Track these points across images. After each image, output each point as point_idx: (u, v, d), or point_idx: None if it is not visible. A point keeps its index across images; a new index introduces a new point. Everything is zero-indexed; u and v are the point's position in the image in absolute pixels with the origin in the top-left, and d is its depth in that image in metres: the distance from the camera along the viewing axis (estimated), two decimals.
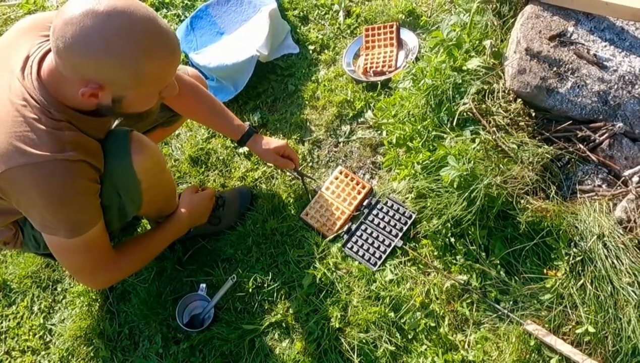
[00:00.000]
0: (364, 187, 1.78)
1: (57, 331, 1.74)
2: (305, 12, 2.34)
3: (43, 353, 1.72)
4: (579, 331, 1.35)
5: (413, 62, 1.95)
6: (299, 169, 1.83)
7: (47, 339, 1.75)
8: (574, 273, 1.38)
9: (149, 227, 1.81)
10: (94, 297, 1.77)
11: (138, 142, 1.32)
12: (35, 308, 1.81)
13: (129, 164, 1.28)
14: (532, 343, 1.40)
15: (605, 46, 1.63)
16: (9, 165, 1.11)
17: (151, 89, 1.18)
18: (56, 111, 1.15)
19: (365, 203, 1.76)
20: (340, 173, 1.83)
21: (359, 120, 1.97)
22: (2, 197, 1.21)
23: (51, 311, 1.80)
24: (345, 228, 1.73)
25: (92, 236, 1.27)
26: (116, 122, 1.45)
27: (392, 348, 1.48)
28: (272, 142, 1.73)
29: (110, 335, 1.69)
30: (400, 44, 2.09)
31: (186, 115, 1.73)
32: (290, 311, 1.61)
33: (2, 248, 1.93)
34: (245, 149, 1.99)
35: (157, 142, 1.91)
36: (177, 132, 2.13)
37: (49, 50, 1.17)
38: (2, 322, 1.81)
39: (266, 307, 1.63)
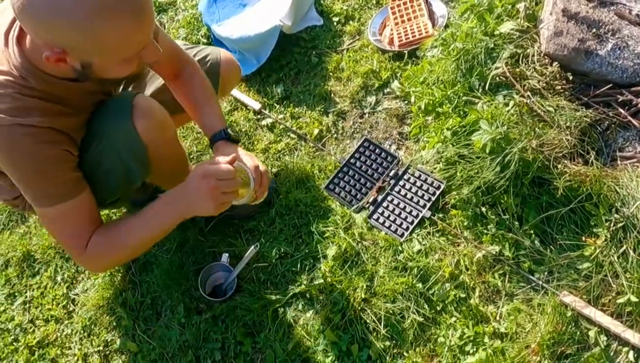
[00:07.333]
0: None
1: (80, 301, 1.74)
2: None
3: (66, 322, 1.71)
4: (620, 301, 1.28)
5: (442, 29, 1.88)
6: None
7: (70, 308, 1.74)
8: (615, 240, 1.30)
9: None
10: (116, 267, 1.75)
11: (143, 105, 1.26)
12: (59, 278, 1.80)
13: (129, 125, 1.22)
14: (568, 314, 1.33)
15: None
16: None
17: (120, 56, 1.04)
18: (34, 79, 1.08)
19: (392, 173, 1.71)
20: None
21: (385, 90, 1.91)
22: None
23: (74, 281, 1.79)
24: (371, 199, 1.68)
25: (63, 210, 1.17)
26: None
27: (420, 319, 1.43)
28: (227, 150, 1.30)
29: (132, 305, 1.67)
30: (431, 13, 2.01)
31: (174, 93, 1.48)
32: (315, 282, 1.56)
33: (13, 209, 1.91)
34: (268, 120, 1.95)
35: (179, 126, 1.82)
36: None
37: None
38: (26, 292, 1.81)
39: (290, 278, 1.60)
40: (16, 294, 1.82)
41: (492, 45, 1.60)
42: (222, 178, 1.15)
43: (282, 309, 1.55)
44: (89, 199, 1.23)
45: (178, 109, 1.46)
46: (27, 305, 1.78)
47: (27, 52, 1.09)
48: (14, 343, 1.71)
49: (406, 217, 1.62)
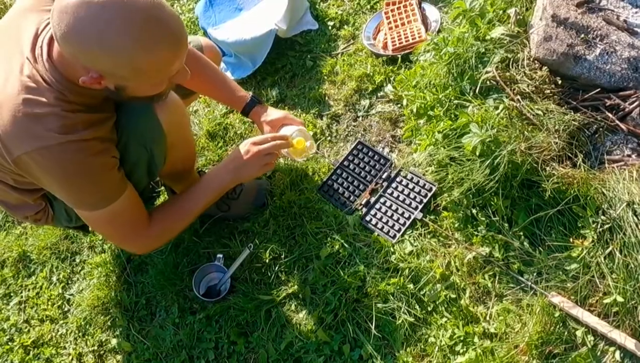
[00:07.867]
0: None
1: (75, 301, 1.75)
2: None
3: (61, 322, 1.73)
4: (606, 301, 1.29)
5: (435, 34, 1.90)
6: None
7: (66, 309, 1.76)
8: (601, 241, 1.32)
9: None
10: (111, 268, 1.77)
11: None
12: (54, 278, 1.82)
13: (152, 113, 1.27)
14: (556, 315, 1.35)
15: (637, 12, 1.57)
16: (23, 150, 1.10)
17: (153, 81, 1.14)
18: (70, 93, 1.12)
19: (384, 176, 1.73)
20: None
21: (379, 94, 1.94)
22: (25, 176, 1.21)
23: (69, 281, 1.81)
24: (364, 201, 1.70)
25: (117, 207, 1.25)
26: None
27: (411, 319, 1.45)
28: (272, 113, 1.63)
29: (127, 305, 1.69)
30: (425, 18, 2.04)
31: (188, 86, 1.60)
32: (307, 282, 1.58)
33: (27, 223, 1.94)
34: None
35: None
36: (195, 108, 2.13)
37: None
38: (21, 292, 1.83)
39: (283, 278, 1.61)
40: (12, 294, 1.83)
41: (483, 50, 1.63)
42: (261, 142, 1.42)
43: (275, 309, 1.56)
44: (132, 187, 1.31)
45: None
46: (23, 305, 1.80)
47: (58, 67, 1.11)
48: (9, 343, 1.72)
49: (398, 219, 1.64)
